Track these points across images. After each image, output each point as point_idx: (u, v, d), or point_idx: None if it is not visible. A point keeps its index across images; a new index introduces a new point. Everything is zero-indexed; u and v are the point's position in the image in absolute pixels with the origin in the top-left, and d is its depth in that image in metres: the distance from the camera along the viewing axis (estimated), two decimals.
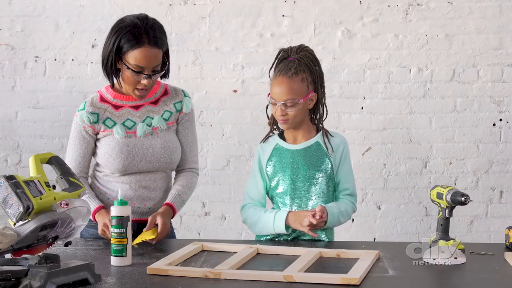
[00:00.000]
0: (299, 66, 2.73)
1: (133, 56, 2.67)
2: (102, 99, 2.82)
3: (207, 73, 4.26)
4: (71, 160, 2.81)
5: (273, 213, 2.74)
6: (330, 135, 2.83)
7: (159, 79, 2.84)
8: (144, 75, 2.69)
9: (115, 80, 2.80)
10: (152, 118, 2.80)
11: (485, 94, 4.32)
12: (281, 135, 2.86)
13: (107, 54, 2.72)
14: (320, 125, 2.84)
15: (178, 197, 2.80)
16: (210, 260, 2.39)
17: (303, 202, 2.76)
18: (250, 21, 4.32)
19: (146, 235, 2.57)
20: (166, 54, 2.77)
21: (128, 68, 2.68)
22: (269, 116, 2.88)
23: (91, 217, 2.66)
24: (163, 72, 2.77)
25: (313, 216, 2.62)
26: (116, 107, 2.80)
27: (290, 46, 2.81)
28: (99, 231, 2.67)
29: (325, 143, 2.80)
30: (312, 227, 2.64)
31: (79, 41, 4.35)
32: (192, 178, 2.90)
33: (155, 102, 2.83)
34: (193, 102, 2.92)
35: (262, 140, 2.89)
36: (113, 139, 2.77)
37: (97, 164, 2.86)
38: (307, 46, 2.81)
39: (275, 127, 2.88)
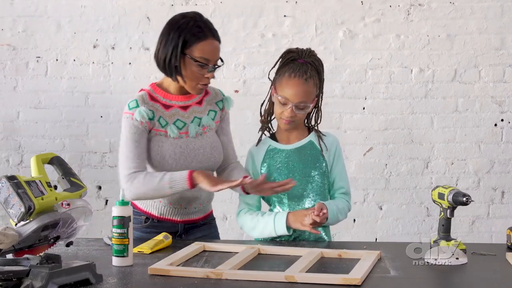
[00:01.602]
0: (312, 71, 2.74)
1: (200, 49, 2.67)
2: (152, 98, 2.77)
3: None
4: (133, 160, 2.69)
5: (272, 215, 2.74)
6: (323, 134, 2.84)
7: None
8: (209, 68, 2.69)
9: (178, 78, 2.76)
10: (200, 119, 2.79)
11: (487, 94, 4.32)
12: (273, 136, 2.86)
13: (171, 51, 2.68)
14: (312, 126, 2.85)
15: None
16: (211, 261, 2.39)
17: (300, 200, 2.77)
18: (252, 21, 4.32)
19: (145, 247, 2.54)
20: None
21: (196, 61, 2.66)
22: (263, 113, 2.86)
23: (187, 185, 2.62)
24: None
25: (315, 214, 2.62)
26: (166, 106, 2.77)
27: (298, 48, 2.81)
28: (215, 187, 2.60)
29: (319, 143, 2.81)
30: (314, 224, 2.65)
31: (81, 41, 4.35)
32: (241, 166, 2.89)
33: (199, 103, 2.82)
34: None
35: (256, 144, 2.87)
36: (166, 140, 2.73)
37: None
38: (314, 51, 2.82)
39: (267, 127, 2.86)
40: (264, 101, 2.86)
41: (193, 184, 2.63)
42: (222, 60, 2.75)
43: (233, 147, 2.93)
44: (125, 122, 2.72)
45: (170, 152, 2.72)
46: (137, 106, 2.71)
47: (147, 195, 2.69)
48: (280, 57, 2.80)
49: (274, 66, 2.81)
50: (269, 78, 2.84)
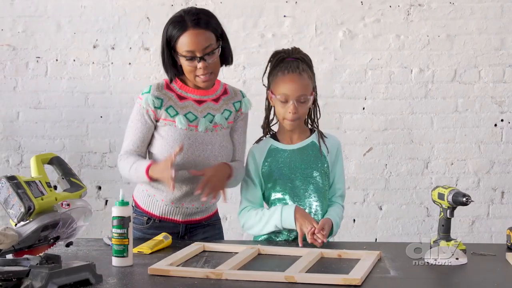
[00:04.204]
0: (303, 64, 2.76)
1: (182, 43, 2.68)
2: (168, 87, 2.78)
3: None
4: (129, 143, 2.76)
5: (279, 207, 2.71)
6: (325, 136, 2.85)
7: (219, 77, 2.83)
8: (197, 59, 2.67)
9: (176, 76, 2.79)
10: (213, 116, 2.78)
11: (487, 94, 4.32)
12: (274, 136, 2.86)
13: (162, 50, 2.73)
14: (315, 126, 2.85)
15: (235, 165, 2.78)
16: (211, 261, 2.39)
17: (301, 200, 2.77)
18: (252, 22, 4.32)
19: (145, 248, 2.54)
20: (222, 37, 2.75)
21: (182, 56, 2.68)
22: (264, 120, 2.87)
23: (146, 177, 2.65)
24: (220, 54, 2.73)
25: (314, 233, 2.59)
26: (181, 97, 2.77)
27: (284, 49, 2.82)
28: (168, 182, 2.58)
29: (320, 143, 2.81)
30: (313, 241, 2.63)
31: (81, 41, 4.35)
32: (241, 164, 2.85)
33: (216, 100, 2.81)
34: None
35: (255, 142, 2.88)
36: (175, 130, 2.73)
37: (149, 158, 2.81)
38: (299, 48, 2.83)
39: (268, 131, 2.87)
40: (268, 104, 2.86)
41: (152, 178, 2.67)
42: (215, 47, 2.69)
43: (242, 150, 2.89)
44: (135, 105, 2.78)
45: (179, 142, 2.70)
46: (149, 92, 2.74)
47: (129, 180, 2.80)
48: (269, 61, 2.82)
49: (265, 71, 2.82)
50: (263, 84, 2.84)
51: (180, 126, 2.72)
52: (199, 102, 2.78)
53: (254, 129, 2.93)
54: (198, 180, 2.70)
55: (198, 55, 2.67)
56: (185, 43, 2.67)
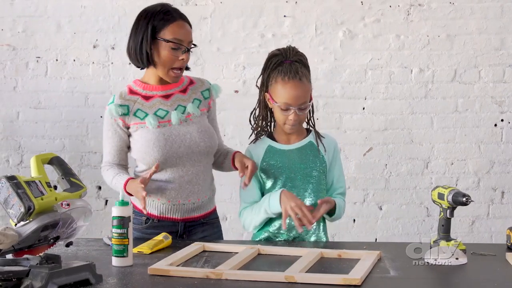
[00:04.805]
0: (302, 68, 2.74)
1: (171, 31, 2.71)
2: (132, 92, 2.82)
3: (208, 73, 4.26)
4: (107, 153, 2.82)
5: (267, 195, 2.73)
6: (322, 136, 2.85)
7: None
8: (183, 49, 2.72)
9: (146, 70, 2.82)
10: (184, 106, 2.81)
11: (487, 94, 4.32)
12: (270, 136, 2.86)
13: (140, 40, 2.73)
14: (311, 125, 2.85)
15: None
16: (211, 261, 2.40)
17: (301, 199, 2.76)
18: (252, 22, 4.32)
19: (145, 248, 2.54)
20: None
21: (168, 41, 2.70)
22: (255, 120, 2.86)
23: (125, 193, 2.66)
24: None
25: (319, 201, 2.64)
26: (146, 97, 2.80)
27: (279, 49, 2.79)
28: (141, 203, 2.63)
29: (317, 143, 2.81)
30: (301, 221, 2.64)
31: (81, 41, 4.35)
32: (226, 146, 3.00)
33: (183, 91, 2.85)
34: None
35: (252, 142, 2.88)
36: (148, 131, 2.75)
37: (136, 165, 2.85)
38: (295, 47, 2.81)
39: (264, 131, 2.86)
40: (253, 110, 2.86)
41: (130, 194, 2.71)
42: (195, 45, 2.78)
43: (220, 136, 2.99)
44: (104, 116, 2.82)
45: (154, 141, 2.74)
46: (112, 102, 2.79)
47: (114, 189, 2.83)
48: (265, 63, 2.79)
49: (262, 74, 2.80)
50: (256, 85, 2.84)
51: (151, 126, 2.75)
52: (166, 96, 2.81)
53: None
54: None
55: (185, 44, 2.73)
56: (175, 31, 2.72)
